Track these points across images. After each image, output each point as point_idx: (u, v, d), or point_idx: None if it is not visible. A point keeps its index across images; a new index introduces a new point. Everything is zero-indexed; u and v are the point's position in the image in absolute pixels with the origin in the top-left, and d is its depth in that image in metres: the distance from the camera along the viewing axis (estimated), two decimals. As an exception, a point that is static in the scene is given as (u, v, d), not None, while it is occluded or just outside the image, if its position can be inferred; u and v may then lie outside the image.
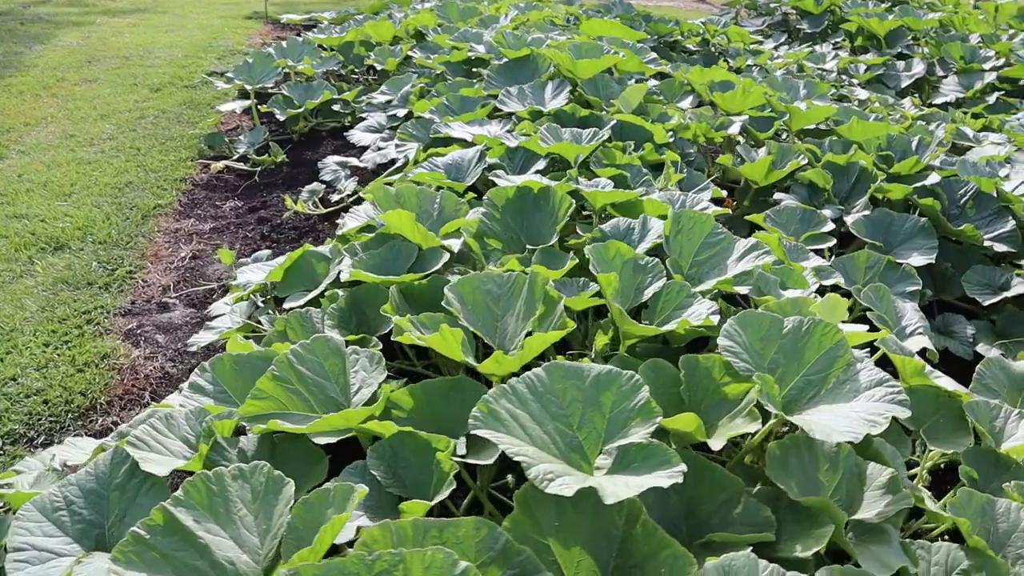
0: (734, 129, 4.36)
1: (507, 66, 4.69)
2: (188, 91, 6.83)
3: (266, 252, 3.83)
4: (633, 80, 4.78)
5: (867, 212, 3.59)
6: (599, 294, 2.32)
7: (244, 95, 6.29)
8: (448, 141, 4.02)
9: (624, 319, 2.03)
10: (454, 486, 1.60)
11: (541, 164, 3.33)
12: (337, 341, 2.11)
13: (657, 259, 2.32)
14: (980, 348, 3.23)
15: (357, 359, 2.12)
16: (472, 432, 1.58)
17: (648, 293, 2.23)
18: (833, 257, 3.39)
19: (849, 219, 3.59)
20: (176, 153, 5.49)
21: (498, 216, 2.81)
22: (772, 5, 9.45)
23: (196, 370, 2.30)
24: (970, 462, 2.21)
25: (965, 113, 5.48)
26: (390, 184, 3.13)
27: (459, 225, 2.90)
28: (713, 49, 7.59)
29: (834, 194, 3.77)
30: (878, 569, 1.65)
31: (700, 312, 2.19)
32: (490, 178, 3.08)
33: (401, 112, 5.22)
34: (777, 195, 3.80)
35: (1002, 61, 6.33)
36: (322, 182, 4.87)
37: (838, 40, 8.22)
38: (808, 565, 1.64)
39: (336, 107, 5.92)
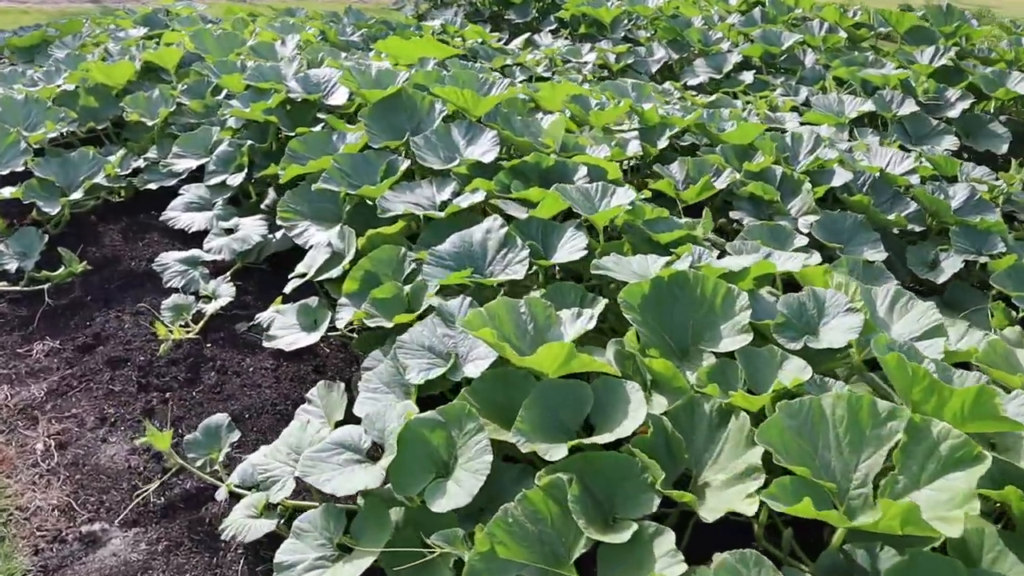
0: (633, 147, 4.29)
1: (378, 108, 3.99)
2: None
3: (221, 416, 2.81)
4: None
5: (816, 216, 3.80)
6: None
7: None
8: (393, 219, 3.31)
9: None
10: None
11: (581, 239, 2.89)
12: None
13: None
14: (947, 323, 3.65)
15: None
16: None
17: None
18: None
19: (802, 225, 3.77)
20: None
21: (640, 319, 2.39)
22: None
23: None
24: None
25: (748, 94, 6.09)
26: (480, 305, 2.47)
27: (577, 336, 2.42)
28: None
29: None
30: None
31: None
32: (595, 271, 2.58)
33: (233, 180, 4.19)
34: (733, 213, 3.84)
35: (729, 43, 7.14)
36: (175, 290, 3.70)
37: (551, 28, 8.53)
38: None
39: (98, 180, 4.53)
